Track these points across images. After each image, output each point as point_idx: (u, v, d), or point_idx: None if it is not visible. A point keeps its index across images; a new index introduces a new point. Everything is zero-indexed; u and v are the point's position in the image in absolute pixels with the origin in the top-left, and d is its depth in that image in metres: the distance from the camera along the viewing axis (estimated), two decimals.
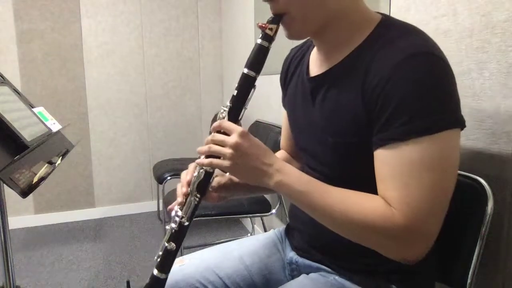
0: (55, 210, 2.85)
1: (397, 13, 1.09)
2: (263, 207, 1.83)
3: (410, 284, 0.72)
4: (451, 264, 0.78)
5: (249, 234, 2.61)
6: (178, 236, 0.72)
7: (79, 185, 2.89)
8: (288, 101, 0.87)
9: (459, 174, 0.79)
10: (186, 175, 0.76)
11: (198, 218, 1.66)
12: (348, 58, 0.68)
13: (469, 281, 0.73)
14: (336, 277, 0.75)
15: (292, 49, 0.91)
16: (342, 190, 0.63)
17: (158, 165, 2.66)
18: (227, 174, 0.80)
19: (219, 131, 0.69)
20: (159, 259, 0.73)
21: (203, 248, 0.95)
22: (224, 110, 0.71)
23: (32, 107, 1.27)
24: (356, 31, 0.67)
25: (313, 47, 0.80)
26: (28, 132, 1.06)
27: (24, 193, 0.86)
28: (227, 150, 0.65)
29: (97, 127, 2.88)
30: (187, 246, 2.38)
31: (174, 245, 0.72)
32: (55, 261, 2.24)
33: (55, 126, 1.30)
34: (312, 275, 0.78)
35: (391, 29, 0.64)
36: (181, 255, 0.90)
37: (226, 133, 0.67)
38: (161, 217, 2.85)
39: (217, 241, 2.50)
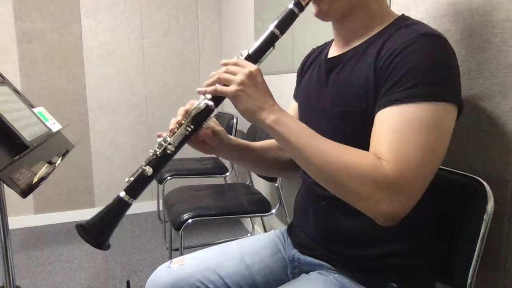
0: (55, 210, 2.85)
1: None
2: (263, 207, 1.83)
3: (410, 282, 0.72)
4: (451, 264, 0.78)
5: (249, 234, 2.61)
6: (158, 162, 0.70)
7: (79, 185, 2.89)
8: (301, 91, 0.91)
9: (459, 174, 0.79)
10: (185, 106, 0.76)
11: (198, 218, 1.66)
12: (365, 43, 0.73)
13: (469, 281, 0.73)
14: (336, 276, 0.75)
15: (313, 48, 0.96)
16: (336, 142, 0.65)
17: None
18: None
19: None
20: (130, 181, 0.70)
21: (203, 248, 0.95)
22: (242, 55, 0.72)
23: (32, 107, 1.27)
24: (376, 22, 0.74)
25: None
26: (28, 132, 1.06)
27: (24, 193, 0.86)
28: (238, 77, 0.66)
29: (97, 127, 2.88)
30: (187, 246, 2.38)
31: (152, 171, 0.69)
32: (55, 261, 2.24)
33: (55, 126, 1.30)
34: (312, 274, 0.79)
35: (408, 20, 0.71)
36: (181, 254, 0.90)
37: None
38: (161, 217, 2.85)
39: (217, 241, 2.49)
